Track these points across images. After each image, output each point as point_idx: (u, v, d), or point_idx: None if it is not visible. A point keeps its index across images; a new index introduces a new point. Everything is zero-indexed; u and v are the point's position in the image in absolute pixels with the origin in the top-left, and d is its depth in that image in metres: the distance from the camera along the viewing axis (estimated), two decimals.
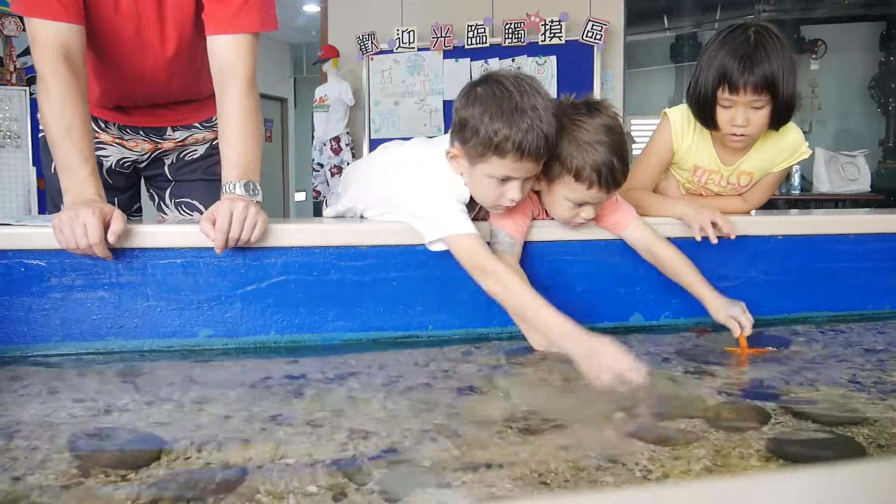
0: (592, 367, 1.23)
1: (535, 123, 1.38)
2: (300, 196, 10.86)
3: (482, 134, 1.40)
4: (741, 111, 1.68)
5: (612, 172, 1.48)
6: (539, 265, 1.67)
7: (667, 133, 1.86)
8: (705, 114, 1.74)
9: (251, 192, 1.52)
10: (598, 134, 1.48)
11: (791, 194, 6.98)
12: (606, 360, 1.22)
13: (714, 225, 1.68)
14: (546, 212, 1.69)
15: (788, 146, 1.84)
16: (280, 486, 0.89)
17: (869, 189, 6.65)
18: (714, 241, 1.68)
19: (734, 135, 1.72)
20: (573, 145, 1.48)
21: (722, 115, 1.71)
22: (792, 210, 4.47)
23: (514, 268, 1.55)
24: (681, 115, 1.85)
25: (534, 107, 1.39)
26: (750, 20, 1.76)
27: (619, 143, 1.50)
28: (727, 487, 0.40)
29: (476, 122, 1.41)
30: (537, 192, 1.64)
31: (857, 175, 6.66)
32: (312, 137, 6.75)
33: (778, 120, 1.72)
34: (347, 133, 6.46)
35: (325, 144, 6.50)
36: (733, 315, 1.55)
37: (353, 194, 1.82)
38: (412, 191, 1.54)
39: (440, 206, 1.48)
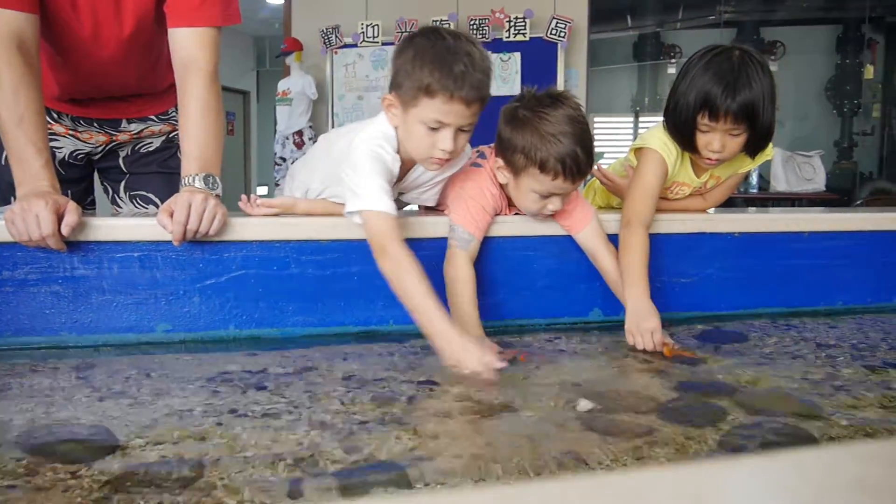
0: (458, 369, 1.30)
1: (467, 68, 1.39)
2: (262, 190, 10.76)
3: (413, 76, 1.41)
4: (718, 137, 1.66)
5: (577, 163, 1.50)
6: (500, 261, 1.68)
7: (662, 167, 1.76)
8: (685, 137, 1.71)
9: (211, 186, 1.50)
10: (561, 125, 1.49)
11: (749, 193, 7.13)
12: (471, 364, 1.28)
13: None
14: (508, 208, 1.70)
15: None
16: (237, 480, 0.88)
17: (824, 189, 6.81)
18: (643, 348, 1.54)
19: (709, 159, 1.71)
20: (537, 137, 1.50)
21: (699, 139, 1.69)
22: (749, 208, 4.55)
23: (465, 264, 1.56)
24: (663, 145, 1.77)
25: (467, 52, 1.40)
26: (733, 43, 1.71)
27: (583, 133, 1.51)
28: (675, 475, 0.40)
29: (408, 66, 1.42)
30: (502, 187, 1.65)
31: (813, 175, 6.81)
32: (275, 131, 6.69)
33: (755, 149, 1.73)
34: (310, 127, 6.42)
35: (287, 138, 6.45)
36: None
37: (299, 182, 1.81)
38: (348, 163, 1.52)
39: (365, 181, 1.46)
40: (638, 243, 1.65)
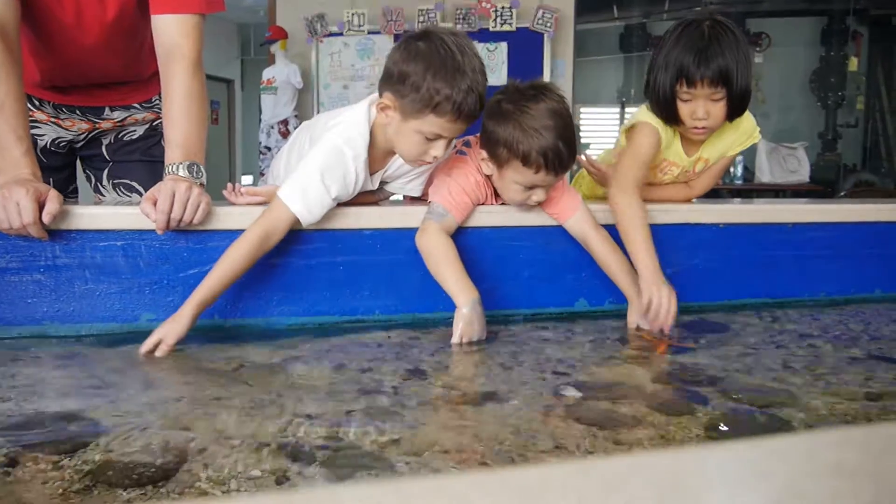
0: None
1: (473, 86, 1.41)
2: (247, 179, 10.68)
3: (423, 91, 1.41)
4: (701, 104, 1.68)
5: (559, 156, 1.50)
6: (485, 251, 1.68)
7: (655, 136, 1.78)
8: (667, 110, 1.73)
9: (195, 174, 1.49)
10: (543, 119, 1.50)
11: (734, 184, 7.17)
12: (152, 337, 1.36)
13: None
14: (493, 196, 1.70)
15: (744, 132, 1.87)
16: (222, 470, 0.88)
17: (808, 180, 6.86)
18: (653, 327, 1.58)
19: (696, 128, 1.73)
20: (519, 130, 1.50)
21: (683, 109, 1.71)
22: (734, 199, 4.58)
23: (438, 232, 1.56)
24: (654, 118, 1.79)
25: (473, 69, 1.43)
26: (704, 14, 1.75)
27: (565, 126, 1.51)
28: (655, 460, 0.41)
29: (418, 78, 1.41)
30: (487, 177, 1.65)
31: (798, 166, 6.86)
32: (260, 120, 6.65)
33: (733, 112, 1.73)
34: (296, 116, 6.38)
35: (272, 127, 6.41)
36: (640, 326, 1.62)
37: (279, 172, 1.80)
38: (313, 153, 1.53)
39: (306, 173, 1.50)
40: (638, 209, 1.68)
